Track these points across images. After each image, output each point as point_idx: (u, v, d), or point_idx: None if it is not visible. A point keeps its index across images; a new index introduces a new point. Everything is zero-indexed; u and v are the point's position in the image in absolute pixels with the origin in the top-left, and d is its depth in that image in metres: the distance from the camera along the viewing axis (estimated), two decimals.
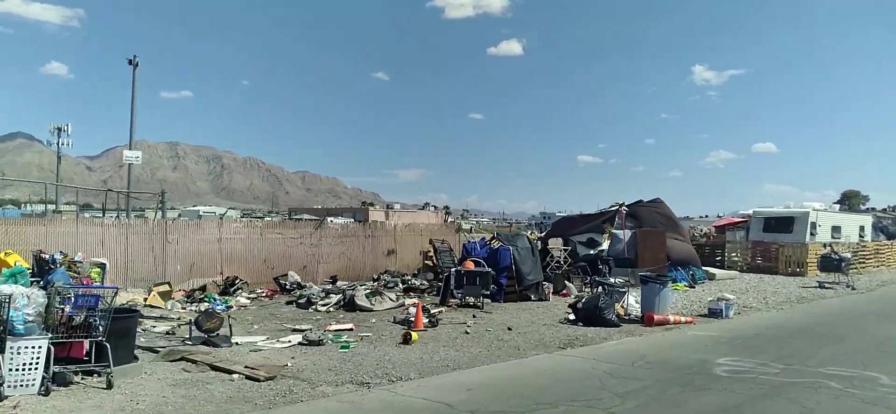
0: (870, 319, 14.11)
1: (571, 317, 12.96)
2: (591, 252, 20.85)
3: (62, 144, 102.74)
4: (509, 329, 11.87)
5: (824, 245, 27.03)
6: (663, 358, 9.63)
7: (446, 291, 14.49)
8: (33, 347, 6.94)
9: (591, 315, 12.60)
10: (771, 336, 11.84)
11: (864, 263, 29.18)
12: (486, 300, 14.90)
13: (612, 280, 14.43)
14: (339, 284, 16.15)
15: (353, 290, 14.23)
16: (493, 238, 17.41)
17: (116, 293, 7.87)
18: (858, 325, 13.20)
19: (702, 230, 32.71)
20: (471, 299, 14.44)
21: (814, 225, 29.25)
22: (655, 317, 12.87)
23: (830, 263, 21.15)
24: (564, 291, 17.11)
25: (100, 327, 7.44)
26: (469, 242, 16.24)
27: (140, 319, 11.67)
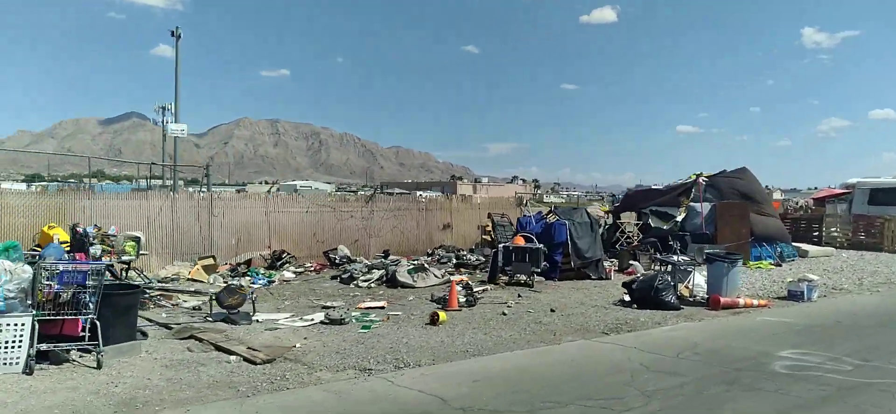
0: None
1: (627, 298, 11.84)
2: (664, 227, 19.38)
3: (166, 122, 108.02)
4: (552, 310, 10.92)
5: None
6: (716, 348, 8.47)
7: (494, 268, 13.66)
8: (16, 325, 6.70)
9: (646, 296, 11.44)
10: (853, 324, 10.35)
11: None
12: (539, 278, 13.97)
13: (674, 258, 13.13)
14: (391, 258, 15.64)
15: (396, 265, 13.64)
16: (549, 212, 16.36)
17: (106, 269, 7.55)
18: None
19: (797, 203, 30.09)
20: (522, 277, 13.54)
21: None
22: (722, 299, 11.56)
23: None
24: (630, 270, 15.90)
25: (90, 304, 7.13)
26: (524, 215, 15.28)
27: (172, 293, 11.57)
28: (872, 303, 12.62)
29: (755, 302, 11.89)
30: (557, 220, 14.89)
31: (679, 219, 19.33)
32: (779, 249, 19.44)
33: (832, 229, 25.60)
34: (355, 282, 13.19)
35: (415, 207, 17.43)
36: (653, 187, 21.10)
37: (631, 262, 16.27)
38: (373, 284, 13.08)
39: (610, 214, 20.63)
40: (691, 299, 12.15)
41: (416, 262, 14.05)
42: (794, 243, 21.98)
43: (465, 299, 11.22)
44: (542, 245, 13.83)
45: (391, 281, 13.04)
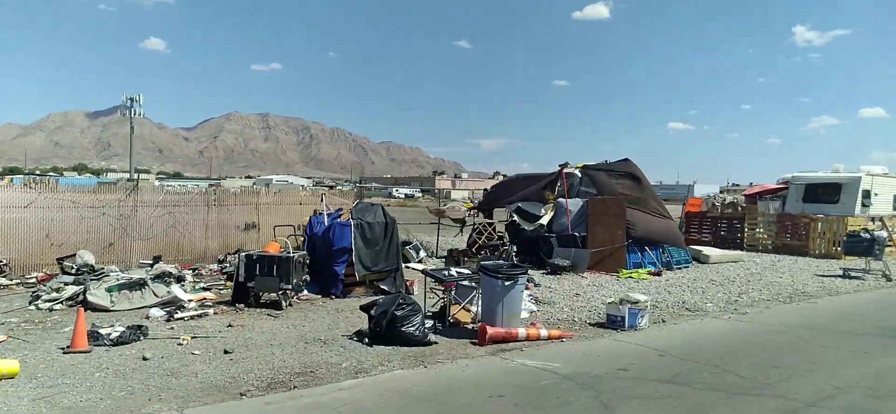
0: (867, 339, 9.06)
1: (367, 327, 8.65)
2: (527, 227, 16.21)
3: (136, 115, 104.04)
4: (226, 352, 7.72)
5: (872, 219, 21.15)
6: None
7: (237, 284, 10.46)
8: None
9: (386, 326, 8.28)
10: (671, 370, 7.26)
11: None
12: (315, 295, 10.86)
13: (454, 271, 9.96)
14: (159, 266, 12.42)
15: (100, 278, 10.39)
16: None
17: None
18: (842, 348, 8.26)
19: (725, 199, 27.01)
20: (274, 295, 10.35)
21: (867, 193, 23.24)
22: (491, 330, 8.40)
23: (858, 245, 15.63)
24: None
25: None
26: (318, 214, 12.12)
27: None
28: (728, 330, 9.47)
29: (544, 332, 8.74)
30: (340, 222, 11.66)
31: (544, 217, 16.16)
32: (667, 254, 16.29)
33: (758, 230, 22.48)
34: (38, 301, 9.94)
35: (202, 202, 14.12)
36: (522, 175, 17.89)
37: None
38: (58, 306, 9.85)
39: (476, 211, 17.46)
40: (473, 327, 9.02)
41: (143, 274, 10.80)
42: (697, 246, 18.86)
43: (118, 334, 8.01)
44: (299, 254, 10.63)
45: (85, 301, 9.81)
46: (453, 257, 15.15)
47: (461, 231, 16.75)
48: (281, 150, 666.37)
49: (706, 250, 18.19)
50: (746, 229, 22.24)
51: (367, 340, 8.29)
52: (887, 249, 20.26)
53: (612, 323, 9.54)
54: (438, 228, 17.75)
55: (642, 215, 16.17)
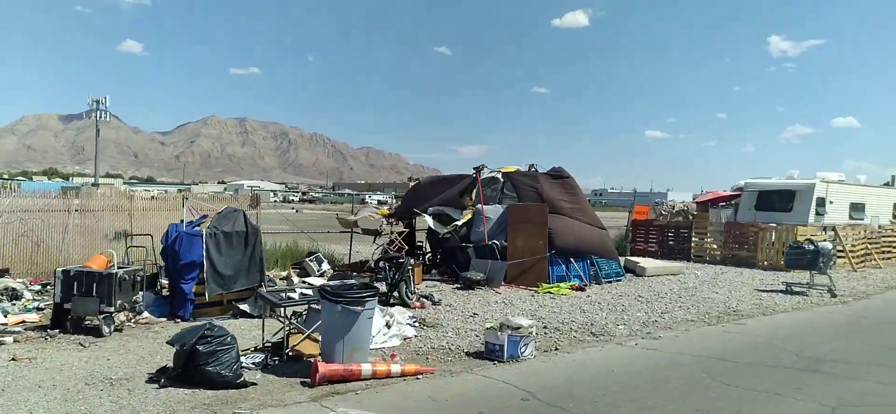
0: (785, 374, 7.61)
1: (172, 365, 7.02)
2: (441, 235, 14.69)
3: (103, 118, 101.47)
4: None
5: (823, 228, 19.92)
6: None
7: (55, 306, 8.78)
8: None
9: (185, 365, 6.67)
10: None
11: (888, 251, 21.79)
12: (156, 318, 9.20)
13: (304, 291, 8.38)
14: (3, 282, 10.72)
15: None
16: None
17: None
18: (751, 387, 6.79)
19: (673, 206, 25.76)
20: (94, 319, 8.68)
21: (822, 201, 22.01)
22: (322, 367, 6.83)
23: (801, 257, 14.28)
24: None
25: None
26: (180, 222, 10.46)
27: None
28: (611, 366, 7.96)
29: (396, 368, 7.18)
30: (193, 232, 10.00)
31: (460, 224, 14.64)
32: (596, 266, 14.83)
33: (706, 239, 21.15)
34: None
35: (62, 207, 12.34)
36: (438, 178, 16.30)
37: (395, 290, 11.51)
38: None
39: (394, 219, 15.86)
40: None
41: None
42: (634, 258, 17.47)
43: None
44: (128, 270, 8.99)
45: None
46: (345, 271, 13.51)
47: (374, 242, 15.18)
48: (258, 156, 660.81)
49: (643, 262, 16.79)
50: (694, 239, 20.88)
51: (163, 380, 6.68)
52: (840, 261, 19.05)
53: (491, 353, 8.03)
54: (351, 239, 16.16)
55: (569, 224, 14.71)
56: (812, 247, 14.16)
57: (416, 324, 9.64)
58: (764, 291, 14.50)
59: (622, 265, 15.90)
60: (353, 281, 9.62)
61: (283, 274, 13.74)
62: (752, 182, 23.68)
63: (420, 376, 7.21)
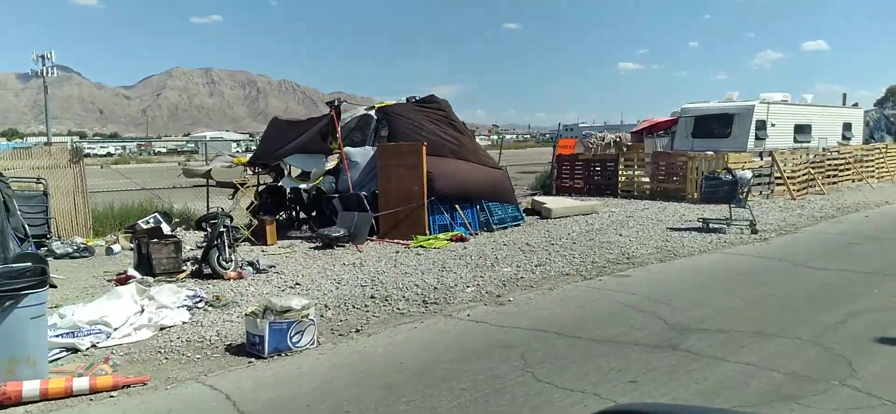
0: (638, 353, 5.69)
1: None
2: (303, 187, 12.58)
3: (58, 75, 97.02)
4: None
5: (760, 154, 18.13)
6: None
7: None
8: None
9: None
10: None
11: (835, 176, 20.15)
12: None
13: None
14: None
15: None
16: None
17: None
18: (556, 382, 4.87)
19: (603, 138, 23.79)
20: None
21: (762, 124, 20.23)
22: None
23: (718, 189, 12.40)
24: (232, 273, 8.99)
25: None
26: None
27: None
28: (410, 349, 5.99)
29: (84, 382, 5.14)
30: None
31: (324, 172, 12.51)
32: (487, 212, 12.86)
33: (634, 172, 19.25)
34: None
35: None
36: (293, 120, 14.00)
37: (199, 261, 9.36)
38: None
39: (252, 169, 13.63)
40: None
41: None
42: (542, 198, 15.55)
43: None
44: None
45: None
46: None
47: (233, 197, 12.99)
48: (227, 106, 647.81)
49: (550, 202, 14.88)
50: (621, 172, 18.98)
51: None
52: (778, 188, 17.33)
53: (252, 347, 6.03)
54: (207, 194, 14.00)
55: (453, 164, 12.66)
56: (730, 177, 12.27)
57: (202, 304, 7.59)
58: (678, 229, 12.66)
59: (521, 209, 13.95)
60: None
61: (102, 242, 11.60)
62: (688, 107, 21.80)
63: (124, 390, 5.20)
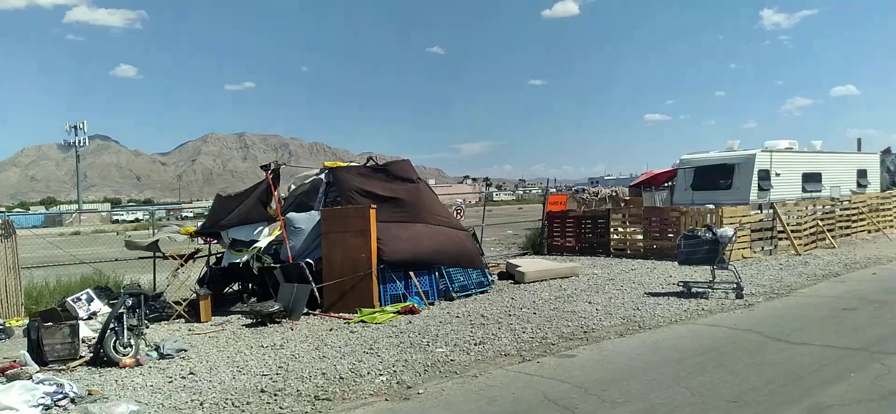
0: None
1: None
2: (239, 260, 11.67)
3: (80, 143, 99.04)
4: None
5: (759, 206, 16.85)
6: None
7: None
8: None
9: None
10: None
11: (847, 227, 18.69)
12: None
13: None
14: None
15: None
16: None
17: None
18: None
19: (598, 192, 22.56)
20: None
21: (765, 174, 18.95)
22: None
23: (696, 250, 11.17)
24: (125, 361, 8.08)
25: None
26: None
27: None
28: None
29: None
30: None
31: (260, 242, 11.61)
32: (447, 278, 11.79)
33: (629, 229, 18.04)
34: None
35: None
36: (238, 192, 13.10)
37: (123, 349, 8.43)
38: None
39: (206, 239, 12.80)
40: None
41: None
42: (516, 260, 14.44)
43: None
44: None
45: None
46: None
47: (179, 270, 12.09)
48: (259, 169, 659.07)
49: (524, 265, 13.74)
50: (613, 229, 17.78)
51: None
52: (783, 243, 15.99)
53: None
54: (154, 266, 13.20)
55: (407, 229, 11.67)
56: (710, 235, 11.05)
57: (64, 401, 6.62)
58: (657, 294, 11.43)
59: (488, 273, 12.86)
60: None
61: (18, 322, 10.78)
62: (687, 157, 20.62)
63: None
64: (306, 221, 11.61)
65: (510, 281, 13.60)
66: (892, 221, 20.41)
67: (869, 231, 19.19)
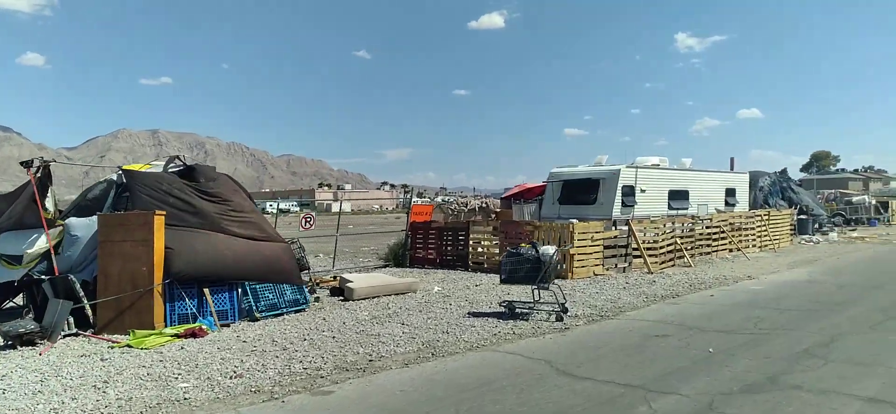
0: None
1: None
2: (14, 273, 10.15)
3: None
4: None
5: (613, 223, 16.42)
6: None
7: None
8: None
9: None
10: None
11: (708, 246, 18.61)
12: None
13: None
14: None
15: None
16: None
17: None
18: None
19: (466, 204, 21.92)
20: None
21: (631, 189, 18.63)
22: None
23: (518, 268, 10.42)
24: None
25: None
26: None
27: None
28: None
29: None
30: None
31: (32, 251, 10.11)
32: (251, 295, 10.59)
33: (485, 243, 17.29)
34: None
35: None
36: (9, 192, 11.54)
37: None
38: None
39: None
40: None
41: None
42: (349, 275, 13.40)
43: None
44: None
45: None
46: None
47: None
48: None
49: (355, 280, 12.70)
50: (473, 242, 17.01)
51: None
52: (637, 260, 15.57)
53: None
54: None
55: (204, 239, 10.40)
56: (534, 253, 10.31)
57: None
58: (481, 314, 10.61)
59: (307, 290, 11.73)
60: None
61: None
62: (556, 170, 20.14)
63: None
64: (85, 227, 10.18)
65: (340, 297, 12.53)
66: (755, 240, 20.54)
67: (730, 250, 19.18)
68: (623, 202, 18.27)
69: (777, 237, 21.61)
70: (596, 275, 14.94)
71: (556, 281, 10.74)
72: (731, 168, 25.32)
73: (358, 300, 12.15)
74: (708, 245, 18.49)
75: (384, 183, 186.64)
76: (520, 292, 11.30)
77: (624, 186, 18.35)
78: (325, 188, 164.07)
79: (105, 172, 12.94)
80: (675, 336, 9.06)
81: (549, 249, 10.33)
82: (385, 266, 17.90)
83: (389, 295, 12.62)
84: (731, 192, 22.43)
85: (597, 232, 15.20)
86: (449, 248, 17.46)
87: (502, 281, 10.61)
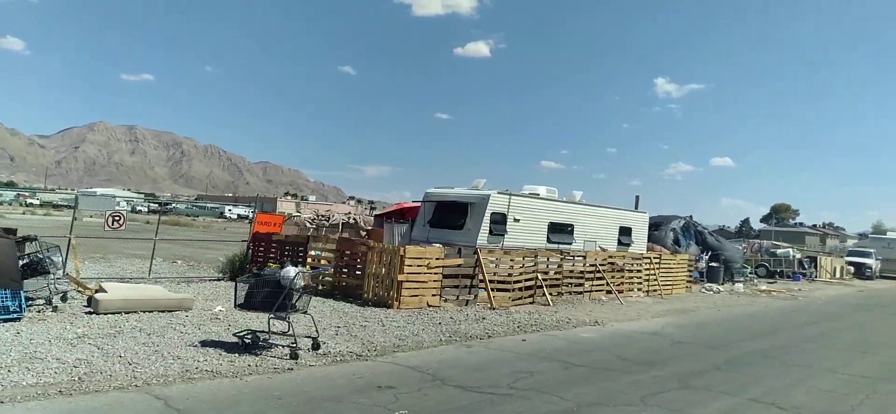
0: None
1: None
2: None
3: None
4: None
5: (474, 250, 14.78)
6: None
7: None
8: None
9: None
10: None
11: (582, 285, 17.09)
12: None
13: None
14: None
15: None
16: None
17: None
18: None
19: (329, 218, 20.22)
20: None
21: (501, 217, 17.05)
22: None
23: (256, 292, 8.69)
24: None
25: None
26: None
27: None
28: None
29: None
30: None
31: None
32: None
33: (324, 262, 15.53)
34: None
35: None
36: None
37: None
38: None
39: None
40: None
41: None
42: (105, 284, 11.58)
43: None
44: None
45: None
46: None
47: None
48: (148, 165, 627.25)
49: (111, 289, 10.86)
50: (311, 260, 15.26)
51: None
52: (482, 294, 13.95)
53: None
54: None
55: None
56: (275, 277, 8.61)
57: None
58: (212, 343, 8.85)
59: (21, 295, 9.88)
60: None
61: None
62: (431, 191, 18.53)
63: None
64: None
65: (87, 308, 10.69)
66: (641, 284, 19.05)
67: (607, 292, 17.63)
68: (491, 230, 16.66)
69: (670, 283, 20.13)
70: (429, 306, 13.27)
71: (308, 311, 9.01)
72: (636, 207, 23.89)
73: (105, 314, 10.31)
74: (580, 284, 16.90)
75: (351, 198, 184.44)
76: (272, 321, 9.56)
77: (493, 214, 16.75)
78: (289, 198, 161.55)
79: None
80: (403, 390, 7.36)
81: (292, 271, 8.62)
82: (220, 279, 16.10)
83: (151, 311, 10.79)
84: (626, 231, 20.92)
85: (435, 258, 13.54)
86: (291, 262, 15.66)
87: (236, 306, 8.85)
